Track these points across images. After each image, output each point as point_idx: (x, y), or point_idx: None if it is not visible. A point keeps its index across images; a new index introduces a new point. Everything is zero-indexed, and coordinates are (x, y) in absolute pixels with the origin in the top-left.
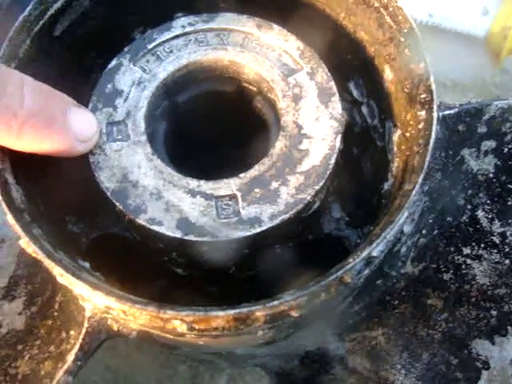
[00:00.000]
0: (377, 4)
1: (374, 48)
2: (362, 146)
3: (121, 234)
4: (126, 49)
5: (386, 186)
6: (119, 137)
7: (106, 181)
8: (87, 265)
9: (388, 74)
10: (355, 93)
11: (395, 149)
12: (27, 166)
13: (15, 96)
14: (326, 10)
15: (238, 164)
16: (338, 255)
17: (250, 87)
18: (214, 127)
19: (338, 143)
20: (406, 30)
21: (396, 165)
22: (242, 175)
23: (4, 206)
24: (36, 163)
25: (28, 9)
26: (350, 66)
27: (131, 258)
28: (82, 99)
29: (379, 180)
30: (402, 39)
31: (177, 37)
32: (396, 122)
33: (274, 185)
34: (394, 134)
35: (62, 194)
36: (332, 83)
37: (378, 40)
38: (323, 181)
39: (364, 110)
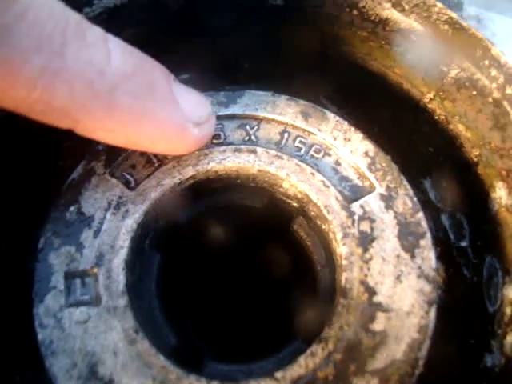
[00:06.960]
0: (497, 95)
1: (478, 152)
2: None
3: None
4: (100, 146)
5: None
6: (84, 298)
7: (63, 376)
8: None
9: (501, 196)
10: (447, 223)
11: (509, 312)
12: None
13: (99, 47)
14: (405, 87)
15: (265, 323)
16: None
17: (289, 202)
18: (227, 259)
19: (432, 320)
20: None
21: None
22: (278, 375)
23: None
24: None
25: None
26: (436, 177)
27: None
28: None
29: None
30: None
31: None
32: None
33: None
34: (507, 289)
35: None
36: (420, 215)
37: (488, 144)
38: None
39: (469, 252)
